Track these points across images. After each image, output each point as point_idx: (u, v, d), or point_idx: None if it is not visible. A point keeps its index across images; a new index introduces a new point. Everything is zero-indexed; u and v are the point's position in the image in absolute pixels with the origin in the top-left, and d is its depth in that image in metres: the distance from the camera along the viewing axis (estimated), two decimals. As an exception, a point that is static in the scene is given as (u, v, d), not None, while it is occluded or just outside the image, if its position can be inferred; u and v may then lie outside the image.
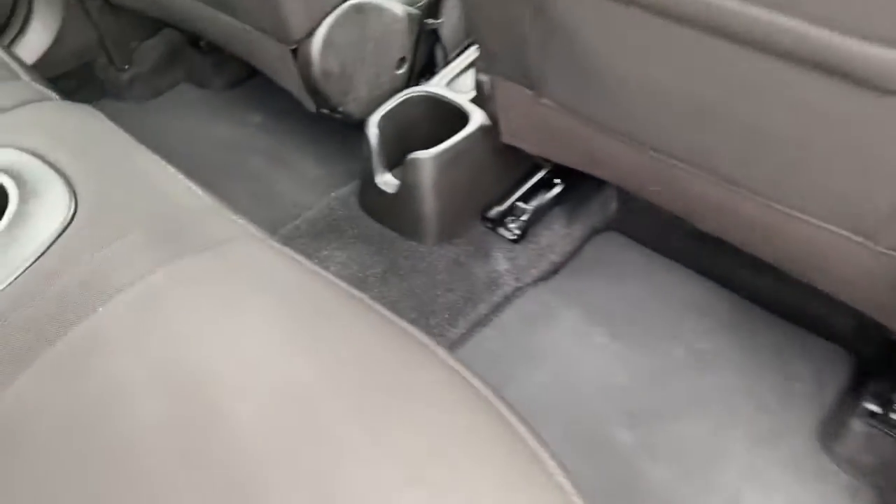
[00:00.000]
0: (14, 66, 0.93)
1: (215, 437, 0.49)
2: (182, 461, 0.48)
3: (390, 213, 1.13)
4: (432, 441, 0.48)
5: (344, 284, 0.62)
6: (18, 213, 0.65)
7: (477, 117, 1.07)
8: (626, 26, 0.69)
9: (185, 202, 0.68)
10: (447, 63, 1.22)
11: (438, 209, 1.09)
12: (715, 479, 0.91)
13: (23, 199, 0.67)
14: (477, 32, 0.87)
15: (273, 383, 0.52)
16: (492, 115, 0.99)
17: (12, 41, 1.36)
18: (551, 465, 0.47)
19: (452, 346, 1.04)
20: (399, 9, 1.11)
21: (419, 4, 1.14)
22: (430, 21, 1.14)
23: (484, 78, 0.95)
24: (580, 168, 0.95)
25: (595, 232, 1.19)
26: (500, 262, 1.12)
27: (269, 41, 1.06)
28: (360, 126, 1.17)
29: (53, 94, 0.85)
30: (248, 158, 1.39)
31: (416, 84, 1.21)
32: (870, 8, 0.52)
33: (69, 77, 1.44)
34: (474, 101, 1.10)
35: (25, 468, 0.50)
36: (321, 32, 1.02)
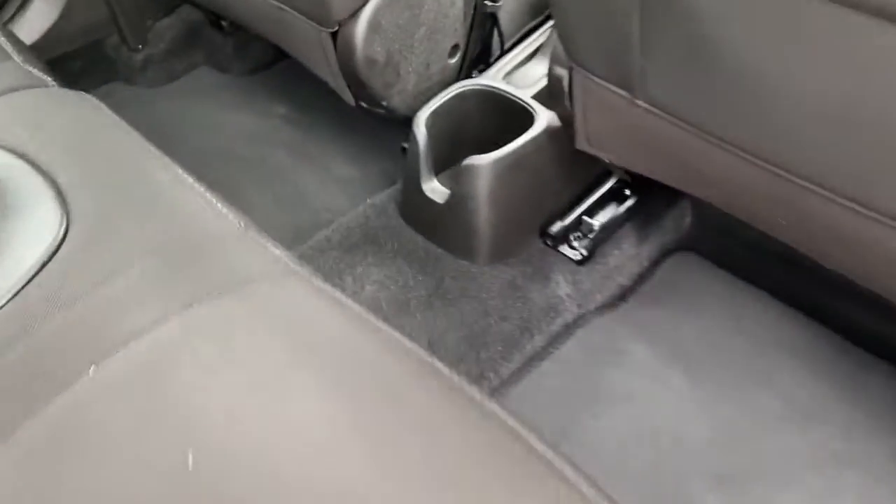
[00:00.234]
0: (6, 44, 0.78)
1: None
2: None
3: (437, 225, 0.98)
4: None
5: (408, 342, 0.47)
6: (-7, 235, 0.51)
7: (543, 117, 0.92)
8: (774, 12, 0.54)
9: (206, 223, 0.54)
10: (504, 52, 1.06)
11: (494, 223, 0.94)
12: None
13: (0, 215, 0.53)
14: (563, 20, 0.72)
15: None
16: (566, 117, 0.84)
17: (13, 16, 1.22)
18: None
19: (506, 385, 0.90)
20: (458, -12, 0.96)
21: (477, -17, 0.99)
22: (490, 3, 0.99)
23: (561, 72, 0.79)
24: (676, 185, 0.80)
25: (668, 251, 1.05)
26: (562, 285, 0.97)
27: (305, 22, 0.91)
28: (397, 120, 1.02)
29: (49, 80, 0.70)
30: (271, 153, 1.25)
31: (468, 75, 1.06)
32: None
33: (75, 57, 1.31)
34: (538, 97, 0.95)
35: None
36: (367, 13, 0.87)
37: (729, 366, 0.94)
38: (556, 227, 0.98)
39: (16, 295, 0.49)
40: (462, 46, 1.02)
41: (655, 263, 1.03)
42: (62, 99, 0.64)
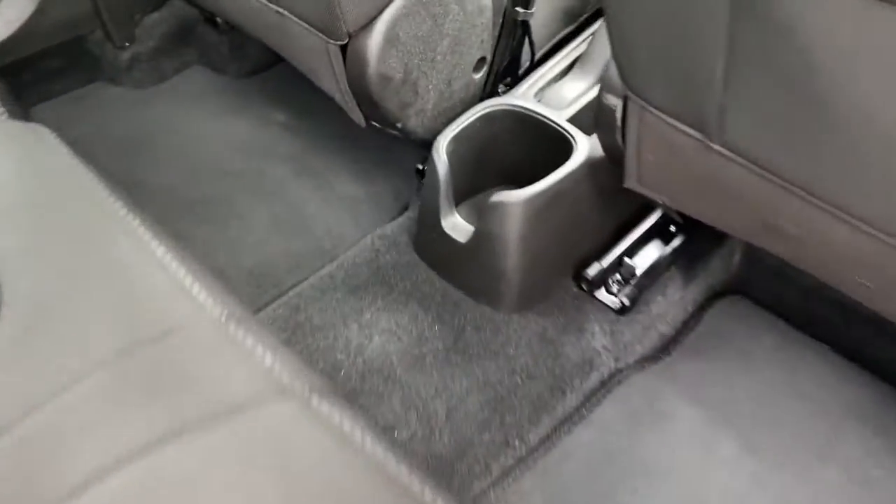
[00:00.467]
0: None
1: None
2: None
3: (458, 267, 0.85)
4: None
5: (393, 463, 0.36)
6: None
7: (583, 146, 0.80)
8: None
9: (177, 315, 0.42)
10: (534, 64, 0.94)
11: (523, 267, 0.82)
12: None
13: None
14: (621, 41, 0.59)
15: None
16: (615, 153, 0.71)
17: (-17, 7, 1.10)
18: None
19: (532, 454, 0.79)
20: (486, -5, 0.83)
21: (506, -11, 0.86)
22: (522, 10, 0.86)
23: (613, 102, 0.67)
24: (741, 237, 0.68)
25: (715, 295, 0.93)
26: (597, 336, 0.86)
27: (310, 33, 0.78)
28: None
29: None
30: (268, 167, 1.13)
31: (493, 91, 0.94)
32: None
33: (54, 55, 1.20)
34: (576, 120, 0.83)
35: None
36: (383, 24, 0.74)
37: (784, 430, 0.83)
38: (594, 269, 0.86)
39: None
40: (489, 59, 0.89)
41: (702, 309, 0.92)
42: (8, 134, 0.52)
